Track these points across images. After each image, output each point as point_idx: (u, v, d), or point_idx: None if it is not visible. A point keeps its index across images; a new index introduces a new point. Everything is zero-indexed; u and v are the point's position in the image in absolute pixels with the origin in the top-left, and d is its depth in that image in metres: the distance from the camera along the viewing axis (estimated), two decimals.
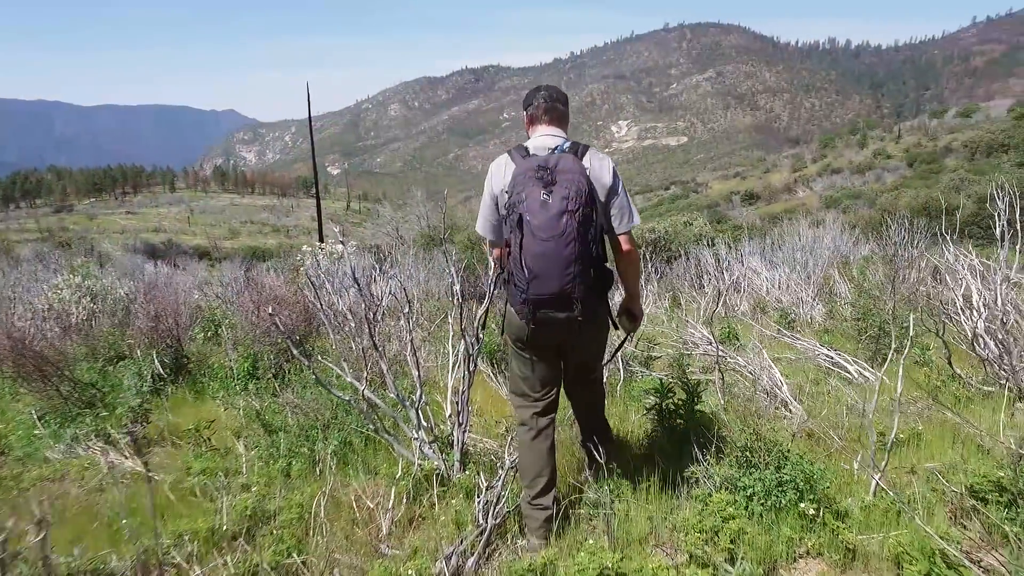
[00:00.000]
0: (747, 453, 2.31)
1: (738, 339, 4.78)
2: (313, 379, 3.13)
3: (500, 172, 2.55)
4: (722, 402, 3.13)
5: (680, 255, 9.39)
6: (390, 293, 3.73)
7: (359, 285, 2.75)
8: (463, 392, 2.36)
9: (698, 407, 2.96)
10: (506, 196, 2.39)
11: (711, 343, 4.42)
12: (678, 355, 4.28)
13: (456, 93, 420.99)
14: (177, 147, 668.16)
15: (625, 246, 2.55)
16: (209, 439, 3.01)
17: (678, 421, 2.97)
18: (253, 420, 3.14)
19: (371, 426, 2.21)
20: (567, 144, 2.51)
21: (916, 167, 35.84)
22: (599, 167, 2.48)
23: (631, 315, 2.73)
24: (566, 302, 2.32)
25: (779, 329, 4.78)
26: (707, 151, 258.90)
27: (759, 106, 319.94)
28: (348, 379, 2.18)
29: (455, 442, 2.36)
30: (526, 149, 2.53)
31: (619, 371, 4.04)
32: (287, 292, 4.99)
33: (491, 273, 2.69)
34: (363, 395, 2.18)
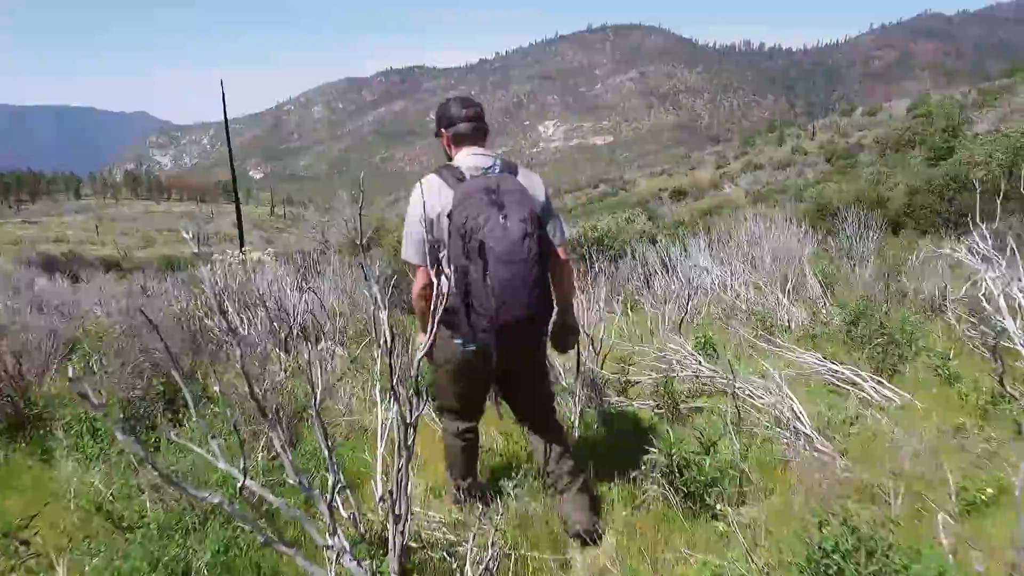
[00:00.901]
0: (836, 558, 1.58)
1: (715, 350, 4.17)
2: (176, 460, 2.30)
3: (434, 194, 2.39)
4: (737, 447, 2.46)
5: (625, 254, 8.91)
6: (307, 310, 2.92)
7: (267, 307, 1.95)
8: (399, 473, 1.60)
9: (715, 459, 2.30)
10: (447, 220, 2.31)
11: (700, 361, 3.76)
12: (662, 379, 3.61)
13: (381, 94, 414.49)
14: (82, 151, 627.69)
15: (564, 256, 2.55)
16: (26, 544, 2.09)
17: (692, 486, 2.30)
18: (93, 513, 2.24)
19: (260, 536, 1.42)
20: (497, 163, 2.47)
21: (833, 162, 37.27)
22: (532, 185, 2.46)
23: (571, 328, 2.67)
24: (535, 324, 2.36)
25: (765, 337, 4.17)
26: (633, 150, 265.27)
27: (681, 105, 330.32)
28: (221, 465, 1.40)
29: (391, 543, 1.60)
30: (458, 170, 2.42)
31: (583, 402, 3.35)
32: (173, 313, 4.06)
33: (417, 301, 2.53)
34: (241, 491, 1.39)
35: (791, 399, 2.78)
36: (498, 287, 2.21)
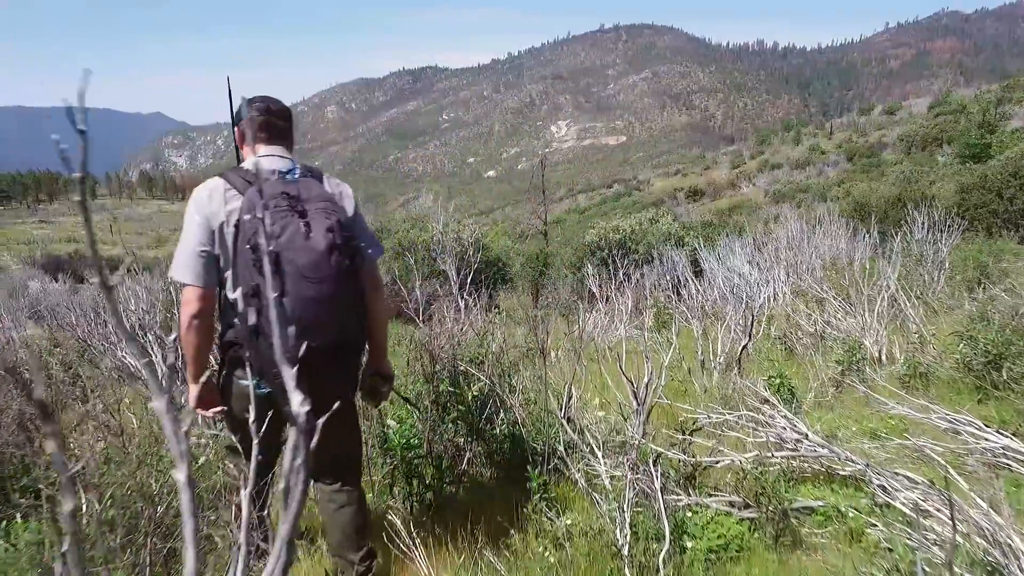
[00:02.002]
0: None
1: (793, 395, 3.12)
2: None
3: (217, 200, 2.02)
4: None
5: (651, 258, 8.23)
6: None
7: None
8: None
9: None
10: (234, 231, 1.96)
11: (805, 436, 2.58)
12: (751, 463, 2.52)
13: (394, 95, 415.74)
14: (99, 152, 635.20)
15: (376, 274, 2.23)
16: None
17: None
18: None
19: None
20: (297, 167, 2.15)
21: (855, 161, 36.26)
22: (340, 194, 2.19)
23: (385, 377, 2.30)
24: (346, 354, 2.06)
25: (854, 375, 3.18)
26: (646, 150, 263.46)
27: (694, 105, 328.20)
28: None
29: None
30: (249, 173, 2.06)
31: (631, 502, 2.16)
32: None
33: (187, 334, 2.01)
34: None
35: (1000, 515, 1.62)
36: (300, 308, 1.87)
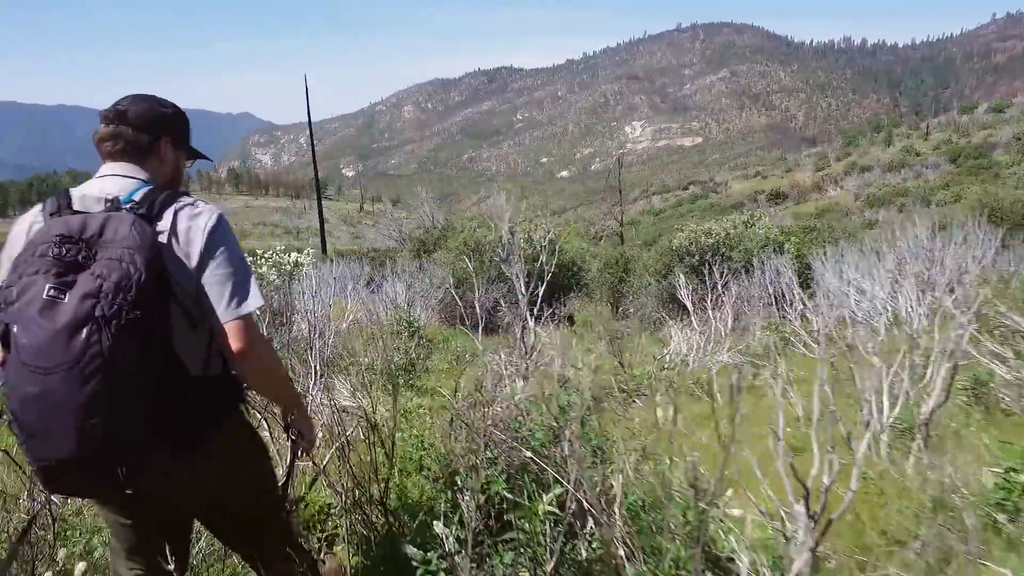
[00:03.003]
0: None
1: None
2: None
3: (24, 230, 1.61)
4: None
5: (748, 266, 7.49)
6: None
7: None
8: None
9: None
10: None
11: None
12: None
13: (469, 95, 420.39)
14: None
15: (235, 344, 1.57)
16: None
17: None
18: None
19: None
20: (140, 191, 1.60)
21: (960, 163, 33.59)
22: (187, 229, 1.58)
23: (299, 435, 1.85)
24: (99, 471, 1.39)
25: None
26: (722, 151, 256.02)
27: (774, 106, 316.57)
28: None
29: None
30: (65, 199, 1.58)
31: None
32: None
33: None
34: None
35: None
36: (20, 410, 1.36)
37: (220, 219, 1.64)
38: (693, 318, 5.13)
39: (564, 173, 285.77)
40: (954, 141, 47.04)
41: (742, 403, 1.87)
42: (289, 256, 5.98)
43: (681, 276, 6.67)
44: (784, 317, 5.40)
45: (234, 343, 1.56)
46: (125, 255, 1.41)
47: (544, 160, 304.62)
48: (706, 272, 6.28)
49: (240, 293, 1.59)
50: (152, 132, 1.71)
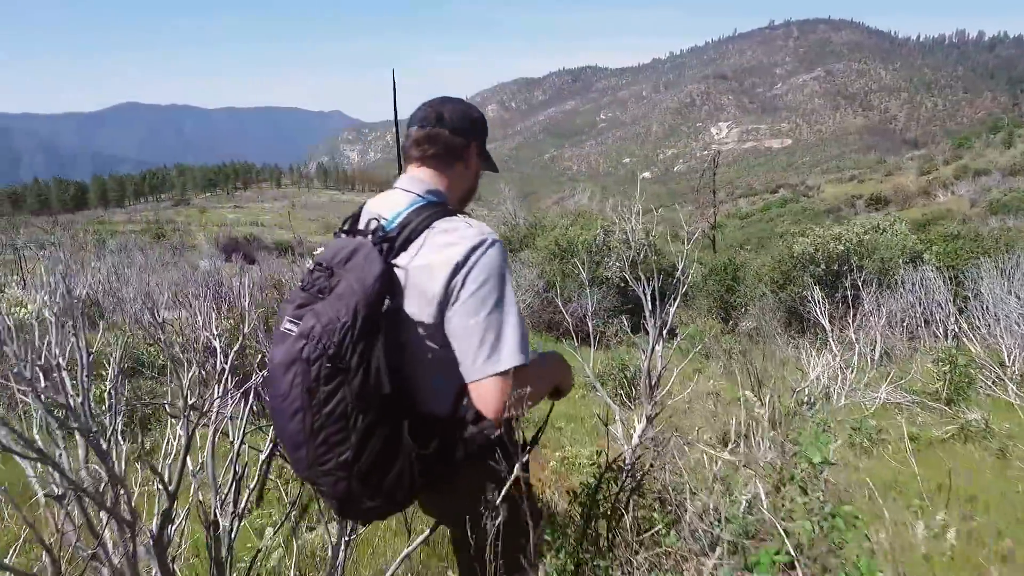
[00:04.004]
0: None
1: None
2: None
3: None
4: None
5: (884, 279, 6.54)
6: None
7: None
8: None
9: None
10: None
11: None
12: None
13: (553, 94, 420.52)
14: (286, 147, 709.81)
15: (483, 406, 1.40)
16: None
17: None
18: None
19: None
20: (409, 210, 1.49)
21: None
22: (426, 266, 1.40)
23: (558, 393, 1.69)
24: (337, 491, 1.41)
25: None
26: (813, 154, 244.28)
27: (872, 106, 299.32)
28: None
29: None
30: (354, 216, 1.59)
31: None
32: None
33: None
34: None
35: None
36: (276, 428, 1.45)
37: (476, 251, 1.42)
38: (831, 340, 4.32)
39: (646, 174, 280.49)
40: None
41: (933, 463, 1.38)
42: None
43: (815, 289, 5.77)
44: (936, 339, 4.58)
45: (481, 405, 1.41)
46: (348, 292, 1.34)
47: (627, 160, 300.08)
48: (844, 284, 5.45)
49: (493, 347, 1.40)
50: (466, 135, 1.63)
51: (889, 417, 3.91)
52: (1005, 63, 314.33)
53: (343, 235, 1.53)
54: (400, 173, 1.67)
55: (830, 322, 4.68)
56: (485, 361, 1.38)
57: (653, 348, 2.13)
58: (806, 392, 3.60)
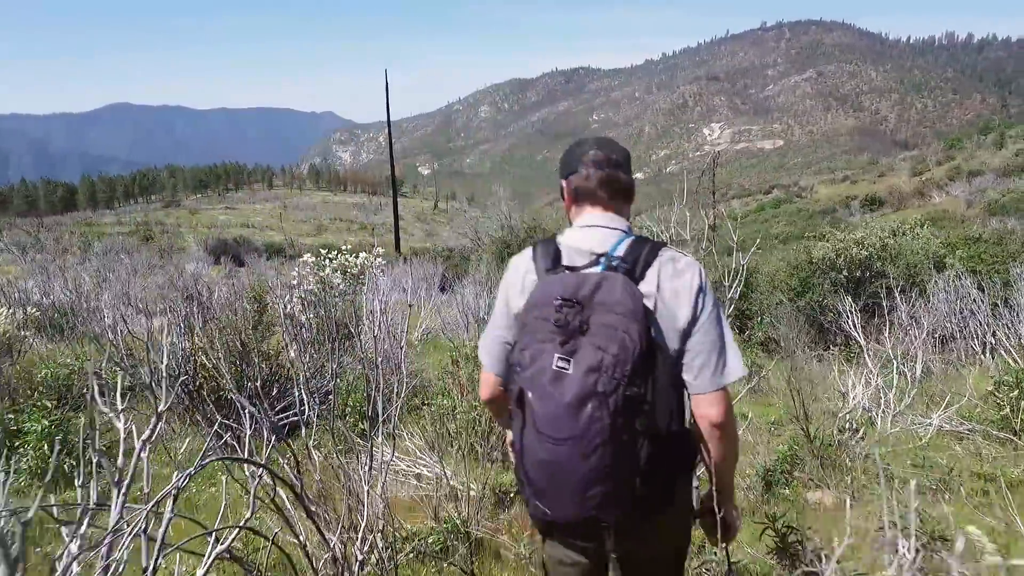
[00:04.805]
0: None
1: None
2: None
3: (518, 281, 1.64)
4: None
5: (912, 286, 6.14)
6: None
7: None
8: None
9: None
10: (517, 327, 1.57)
11: None
12: None
13: (546, 95, 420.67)
14: (279, 148, 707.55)
15: (712, 413, 1.52)
16: None
17: None
18: None
19: None
20: (623, 244, 1.56)
21: None
22: (674, 290, 1.52)
23: (723, 522, 1.65)
24: (590, 532, 1.49)
25: None
26: (804, 155, 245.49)
27: (863, 107, 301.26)
28: None
29: None
30: (555, 252, 1.60)
31: None
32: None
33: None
34: None
35: None
36: (532, 469, 1.46)
37: (703, 275, 1.56)
38: (867, 356, 3.96)
39: (639, 175, 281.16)
40: None
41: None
42: (357, 257, 5.35)
43: (847, 299, 5.36)
44: (975, 354, 4.23)
45: (714, 414, 1.53)
46: (620, 323, 1.39)
47: None
48: (867, 291, 5.11)
49: (724, 360, 1.53)
50: (628, 170, 1.70)
51: (945, 448, 3.58)
52: (994, 65, 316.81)
53: (555, 271, 1.55)
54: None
55: (866, 336, 4.34)
56: (719, 375, 1.51)
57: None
58: (847, 418, 3.27)
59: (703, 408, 1.52)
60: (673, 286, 1.51)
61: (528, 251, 1.65)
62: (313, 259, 4.81)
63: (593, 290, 1.42)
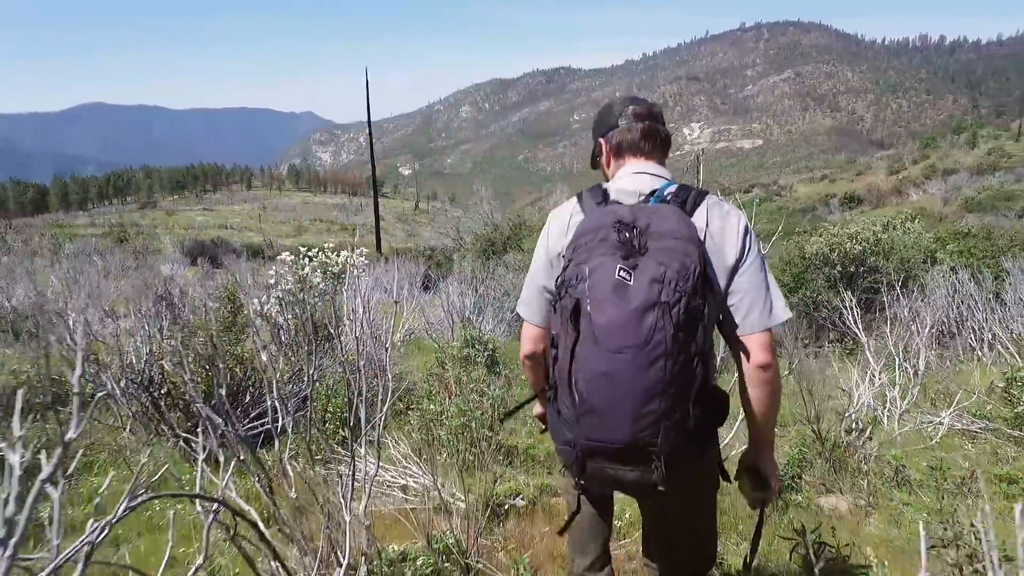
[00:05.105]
0: None
1: None
2: None
3: (561, 226, 1.66)
4: None
5: (907, 281, 6.09)
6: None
7: None
8: None
9: None
10: (563, 263, 1.52)
11: None
12: None
13: (527, 95, 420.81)
14: (258, 148, 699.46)
15: (760, 356, 1.52)
16: None
17: None
18: None
19: None
20: (671, 187, 1.60)
21: None
22: (722, 228, 1.56)
23: (760, 478, 1.64)
24: (639, 457, 1.40)
25: None
26: (783, 154, 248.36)
27: (840, 107, 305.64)
28: None
29: None
30: (604, 192, 1.65)
31: None
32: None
33: (524, 369, 1.76)
34: None
35: None
36: (585, 383, 1.38)
37: (747, 221, 1.60)
38: (869, 354, 3.86)
39: None
40: None
41: None
42: (338, 255, 5.13)
43: (847, 294, 5.24)
44: (974, 350, 4.16)
45: (761, 354, 1.51)
46: (679, 246, 1.40)
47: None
48: (860, 287, 5.03)
49: (767, 304, 1.54)
50: (665, 126, 1.75)
51: (958, 448, 3.47)
52: (964, 67, 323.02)
53: (606, 205, 1.58)
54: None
55: (866, 332, 4.22)
56: (767, 315, 1.52)
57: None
58: (853, 418, 3.13)
59: (752, 348, 1.52)
60: (721, 225, 1.54)
61: (571, 200, 1.68)
62: (292, 258, 4.58)
63: (648, 220, 1.43)
